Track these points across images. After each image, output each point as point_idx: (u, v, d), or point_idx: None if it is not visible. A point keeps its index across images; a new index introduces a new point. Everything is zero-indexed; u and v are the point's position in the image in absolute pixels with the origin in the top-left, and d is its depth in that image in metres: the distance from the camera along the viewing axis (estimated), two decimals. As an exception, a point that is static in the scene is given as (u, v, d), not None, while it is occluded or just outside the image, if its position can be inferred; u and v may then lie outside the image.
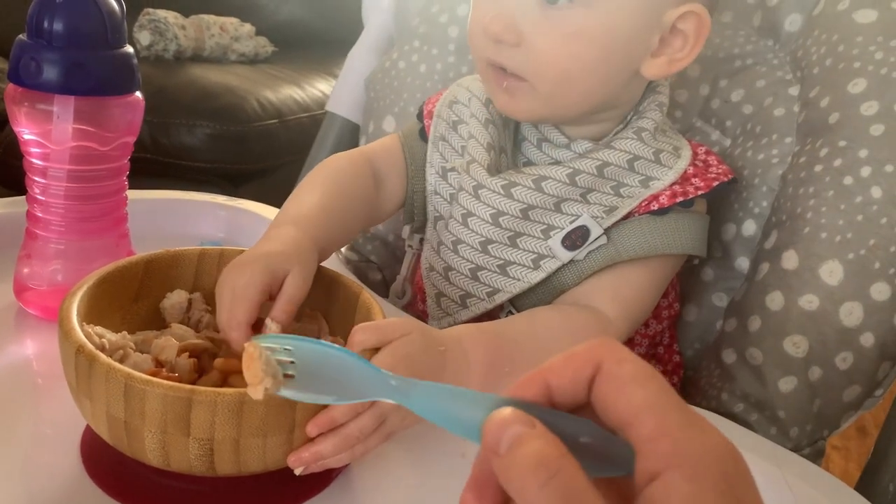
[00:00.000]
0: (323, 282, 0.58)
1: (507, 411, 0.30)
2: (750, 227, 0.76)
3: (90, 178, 0.65)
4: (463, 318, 0.68)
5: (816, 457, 0.68)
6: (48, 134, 0.62)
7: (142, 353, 0.52)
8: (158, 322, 0.58)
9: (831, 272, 0.67)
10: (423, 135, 0.75)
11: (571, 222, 0.65)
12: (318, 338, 0.56)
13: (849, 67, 0.71)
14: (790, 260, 0.69)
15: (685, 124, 0.83)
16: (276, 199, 0.93)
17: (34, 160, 0.64)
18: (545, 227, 0.66)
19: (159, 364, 0.51)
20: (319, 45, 2.21)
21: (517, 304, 0.68)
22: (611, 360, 0.30)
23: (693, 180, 0.67)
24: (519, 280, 0.66)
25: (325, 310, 0.59)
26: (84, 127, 0.63)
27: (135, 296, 0.57)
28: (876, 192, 0.67)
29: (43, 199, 0.65)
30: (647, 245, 0.65)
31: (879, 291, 0.65)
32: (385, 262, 0.96)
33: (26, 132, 0.63)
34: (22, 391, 0.58)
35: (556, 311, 0.65)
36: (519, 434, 0.29)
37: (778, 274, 0.70)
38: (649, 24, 0.63)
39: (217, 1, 2.15)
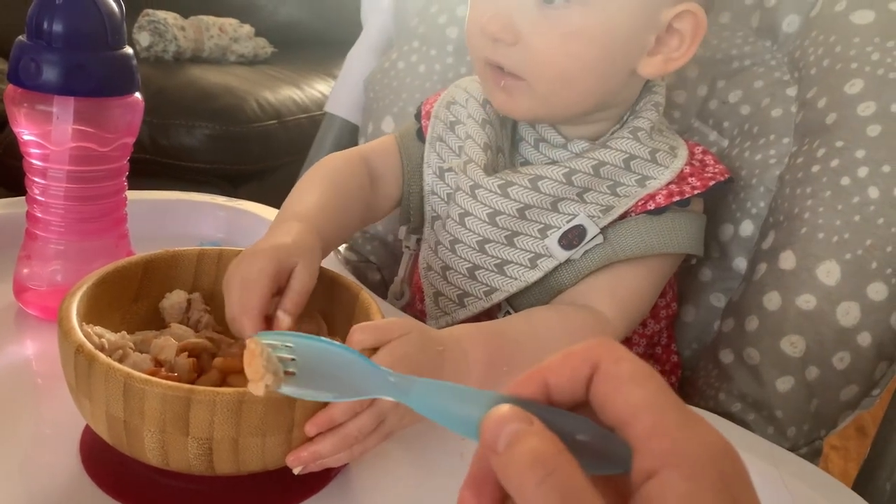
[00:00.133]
0: (322, 282, 0.58)
1: (505, 408, 0.30)
2: (747, 228, 0.77)
3: (90, 178, 0.65)
4: (461, 317, 0.68)
5: (814, 456, 0.69)
6: (48, 135, 0.63)
7: (141, 352, 0.52)
8: (158, 322, 0.58)
9: (828, 272, 0.67)
10: (421, 135, 0.76)
11: (568, 222, 0.65)
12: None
13: (846, 68, 0.71)
14: (787, 260, 0.69)
15: (683, 125, 0.83)
16: (276, 200, 0.93)
17: (34, 161, 0.64)
18: (542, 226, 0.66)
19: (158, 364, 0.52)
20: (318, 45, 2.21)
21: (515, 303, 0.68)
22: (609, 359, 0.30)
23: (689, 180, 0.67)
24: (516, 279, 0.66)
25: (324, 310, 0.59)
26: (83, 128, 0.63)
27: (134, 296, 0.58)
28: (873, 193, 0.67)
29: (42, 199, 0.65)
30: (643, 244, 0.65)
31: (876, 291, 0.65)
32: (384, 262, 0.96)
33: (26, 133, 0.63)
34: (22, 391, 0.59)
35: (554, 310, 0.65)
36: (517, 431, 0.29)
37: (775, 274, 0.70)
38: (646, 23, 0.63)
39: (216, 2, 2.15)
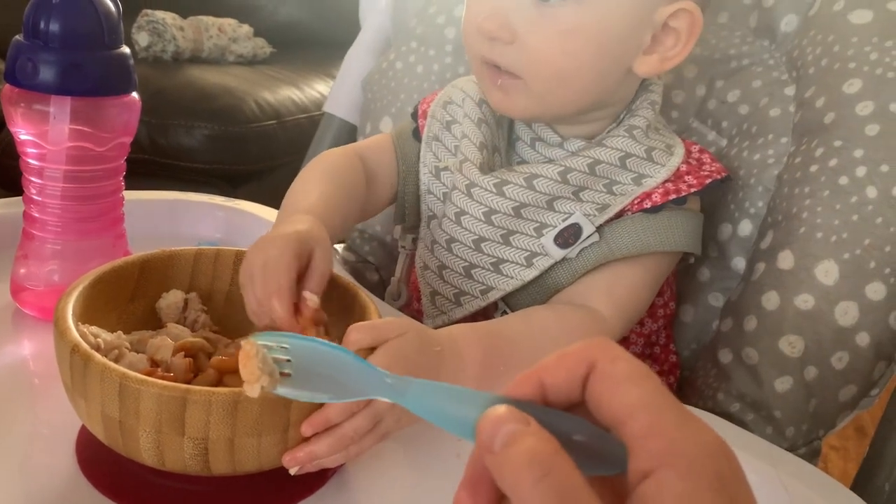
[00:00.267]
0: (319, 282, 0.58)
1: (501, 409, 0.30)
2: (746, 228, 0.77)
3: (86, 178, 0.65)
4: (457, 315, 0.68)
5: (812, 456, 0.69)
6: (44, 134, 0.63)
7: (137, 352, 0.52)
8: (154, 322, 0.58)
9: (827, 272, 0.67)
10: (417, 134, 0.76)
11: (564, 220, 0.65)
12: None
13: (844, 68, 0.71)
14: (786, 260, 0.69)
15: (682, 125, 0.83)
16: (275, 200, 0.93)
17: (30, 161, 0.64)
18: (538, 225, 0.66)
19: (155, 364, 0.51)
20: (317, 46, 2.21)
21: (511, 302, 0.68)
22: (605, 358, 0.30)
23: (686, 178, 0.67)
24: (512, 278, 0.66)
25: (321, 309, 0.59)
26: (80, 127, 0.63)
27: (131, 296, 0.57)
28: (871, 192, 0.67)
29: (39, 199, 0.65)
30: (640, 243, 0.65)
31: (875, 291, 0.65)
32: (382, 262, 0.96)
33: (23, 133, 0.63)
34: (18, 391, 0.58)
35: (550, 310, 0.65)
36: (513, 431, 0.29)
37: (774, 274, 0.70)
38: (641, 22, 0.63)
39: (215, 2, 2.15)
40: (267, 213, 0.85)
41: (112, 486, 0.49)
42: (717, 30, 0.83)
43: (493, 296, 0.67)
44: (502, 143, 0.72)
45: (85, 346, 0.46)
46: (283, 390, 0.37)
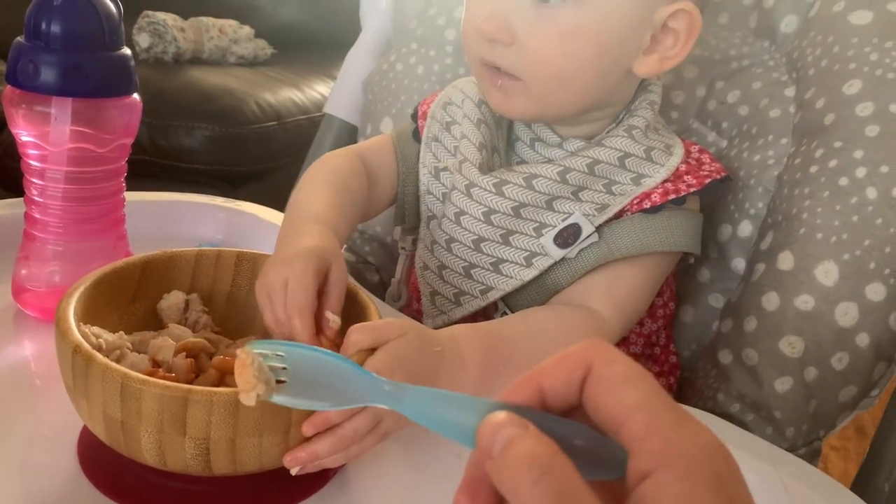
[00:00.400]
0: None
1: (500, 415, 0.30)
2: (746, 228, 0.77)
3: (88, 179, 0.65)
4: (457, 315, 0.68)
5: (813, 457, 0.69)
6: (46, 136, 0.63)
7: (139, 353, 0.52)
8: (156, 323, 0.59)
9: (827, 273, 0.67)
10: (417, 135, 0.76)
11: (563, 220, 0.66)
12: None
13: (844, 69, 0.71)
14: (786, 260, 0.69)
15: (682, 126, 0.83)
16: (275, 201, 0.93)
17: (32, 162, 0.64)
18: (537, 224, 0.66)
19: (156, 364, 0.52)
20: (318, 47, 2.21)
21: (511, 302, 0.68)
22: (601, 361, 0.30)
23: (685, 178, 0.67)
24: (512, 277, 0.66)
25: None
26: (81, 129, 0.63)
27: (132, 297, 0.58)
28: (871, 193, 0.67)
29: (41, 200, 0.65)
30: (639, 243, 0.65)
31: (875, 292, 0.65)
32: (383, 263, 0.96)
33: (24, 134, 0.63)
34: (20, 392, 0.59)
35: (550, 310, 0.65)
36: (512, 435, 0.29)
37: (774, 274, 0.70)
38: (641, 22, 0.63)
39: (216, 3, 2.15)
40: (268, 215, 0.85)
41: (113, 486, 0.49)
42: (717, 30, 0.83)
43: (493, 296, 0.67)
44: (501, 143, 0.72)
45: (87, 346, 0.46)
46: (279, 398, 0.37)
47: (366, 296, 0.56)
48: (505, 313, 0.68)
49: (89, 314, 0.52)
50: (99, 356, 0.45)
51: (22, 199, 0.67)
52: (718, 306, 0.79)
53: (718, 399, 0.71)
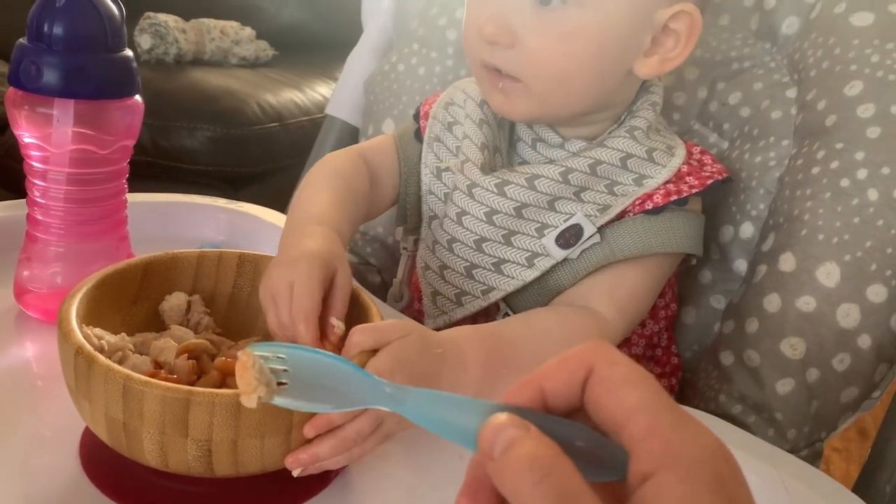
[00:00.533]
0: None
1: (501, 417, 0.30)
2: (747, 230, 0.77)
3: (90, 181, 0.65)
4: (458, 316, 0.68)
5: (814, 458, 0.69)
6: (48, 137, 0.63)
7: (141, 354, 0.52)
8: (157, 324, 0.59)
9: (828, 274, 0.67)
10: (419, 135, 0.76)
11: (565, 221, 0.66)
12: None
13: (845, 70, 0.71)
14: (787, 262, 0.69)
15: (683, 127, 0.83)
16: (277, 202, 0.93)
17: (34, 163, 0.64)
18: (539, 225, 0.66)
19: (158, 366, 0.52)
20: (319, 48, 2.21)
21: (513, 303, 0.68)
22: (603, 362, 0.30)
23: (687, 179, 0.67)
24: (513, 278, 0.66)
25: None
26: (84, 130, 0.63)
27: (134, 298, 0.58)
28: (872, 195, 0.67)
29: (43, 202, 0.65)
30: (642, 244, 0.65)
31: (876, 293, 0.65)
32: (384, 264, 0.96)
33: (26, 135, 0.64)
34: (22, 393, 0.59)
35: (552, 312, 0.65)
36: (513, 437, 0.29)
37: (775, 276, 0.70)
38: (642, 24, 0.63)
39: (218, 5, 2.15)
40: (269, 216, 0.85)
41: (115, 487, 0.49)
42: (719, 32, 0.83)
43: (495, 296, 0.67)
44: (503, 143, 0.72)
45: (89, 347, 0.46)
46: (280, 400, 0.37)
47: (367, 297, 0.56)
48: (506, 314, 0.68)
49: (91, 315, 0.52)
50: (101, 358, 0.45)
51: (24, 200, 0.67)
52: (720, 307, 0.79)
53: (720, 400, 0.71)
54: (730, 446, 0.29)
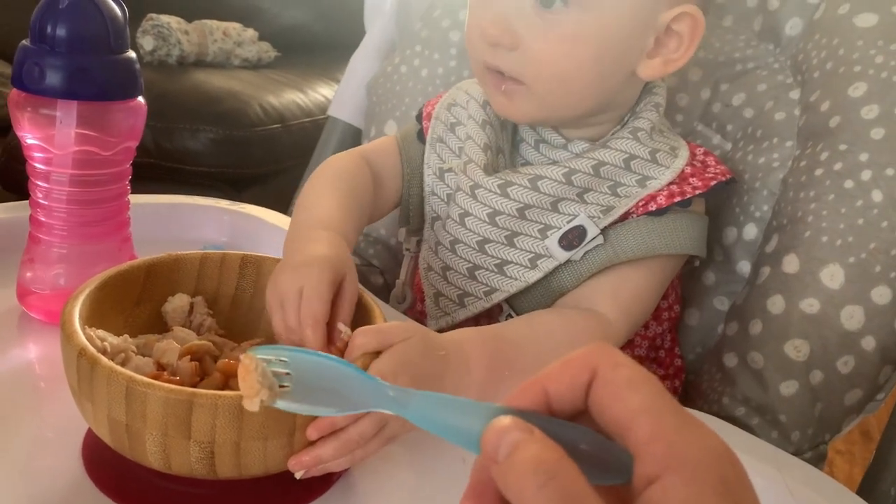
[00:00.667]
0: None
1: (505, 420, 0.30)
2: (751, 231, 0.77)
3: (92, 182, 0.65)
4: (461, 317, 0.68)
5: (818, 461, 0.68)
6: (51, 138, 0.63)
7: (143, 356, 0.52)
8: (160, 326, 0.59)
9: (832, 276, 0.67)
10: (421, 136, 0.76)
11: (568, 222, 0.66)
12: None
13: (849, 71, 0.71)
14: (791, 263, 0.69)
15: (686, 128, 0.83)
16: (279, 204, 0.93)
17: (37, 165, 0.64)
18: (542, 226, 0.66)
19: (161, 367, 0.52)
20: (322, 49, 2.21)
21: (516, 304, 0.68)
22: (606, 365, 0.30)
23: (691, 180, 0.67)
24: (516, 279, 0.66)
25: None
26: (87, 131, 0.63)
27: (137, 299, 0.58)
28: (877, 196, 0.67)
29: (45, 203, 0.65)
30: (645, 246, 0.65)
31: (880, 295, 0.65)
32: (387, 265, 0.96)
33: (29, 137, 0.64)
34: (24, 394, 0.59)
35: (555, 313, 0.65)
36: (517, 440, 0.29)
37: (779, 277, 0.70)
38: (644, 26, 0.63)
39: (220, 6, 2.15)
40: (272, 217, 0.85)
41: (118, 489, 0.49)
42: (722, 33, 0.83)
43: (497, 297, 0.67)
44: (506, 144, 0.72)
45: (92, 349, 0.46)
46: (282, 404, 0.37)
47: (370, 299, 0.56)
48: (509, 315, 0.68)
49: (94, 317, 0.52)
50: (104, 359, 0.45)
51: (27, 201, 0.67)
52: (723, 309, 0.78)
53: (723, 402, 0.71)
54: (733, 449, 0.29)
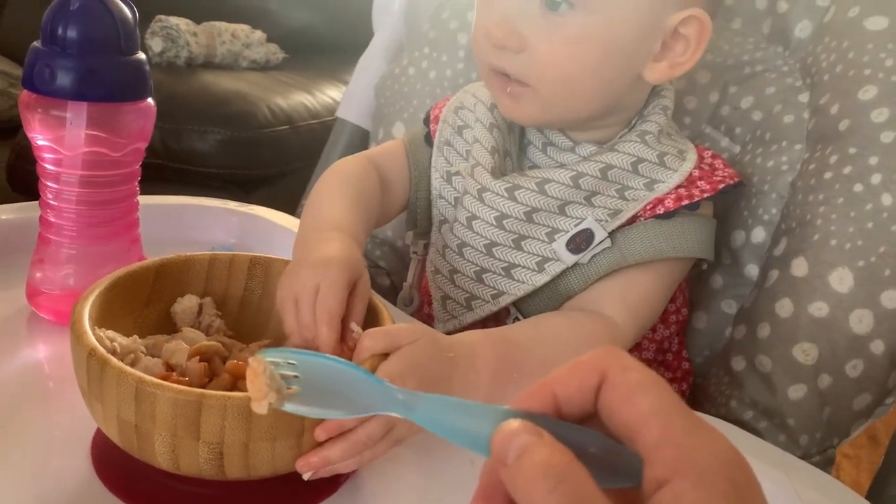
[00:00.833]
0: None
1: (514, 423, 0.30)
2: (759, 234, 0.76)
3: (102, 183, 0.65)
4: (468, 320, 0.68)
5: (826, 465, 0.68)
6: (61, 140, 0.63)
7: (152, 356, 0.52)
8: (169, 326, 0.59)
9: (841, 279, 0.67)
10: (429, 139, 0.76)
11: (576, 225, 0.65)
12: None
13: (859, 74, 0.71)
14: (800, 267, 0.69)
15: (695, 131, 0.83)
16: (288, 205, 0.94)
17: (47, 165, 0.65)
18: (549, 229, 0.66)
19: (170, 368, 0.52)
20: (330, 51, 2.21)
21: (523, 307, 0.68)
22: (615, 368, 0.30)
23: (699, 183, 0.67)
24: (523, 283, 0.66)
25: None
26: (96, 133, 0.63)
27: (146, 300, 0.58)
28: (886, 200, 0.66)
29: (55, 204, 0.65)
30: (653, 249, 0.65)
31: (890, 299, 0.65)
32: (394, 267, 0.96)
33: (40, 138, 0.64)
34: (34, 394, 0.59)
35: (563, 316, 0.65)
36: (526, 443, 0.29)
37: (787, 281, 0.69)
38: (651, 29, 0.63)
39: (228, 8, 2.16)
40: (281, 219, 0.86)
41: (127, 489, 0.49)
42: (731, 36, 0.83)
43: (505, 300, 0.67)
44: (514, 147, 0.72)
45: (101, 350, 0.46)
46: (290, 407, 0.37)
47: (378, 301, 0.56)
48: (517, 318, 0.68)
49: (104, 318, 0.52)
50: (114, 360, 0.45)
51: (37, 202, 0.68)
52: (731, 312, 0.78)
53: (731, 406, 0.71)
54: (741, 452, 0.29)
